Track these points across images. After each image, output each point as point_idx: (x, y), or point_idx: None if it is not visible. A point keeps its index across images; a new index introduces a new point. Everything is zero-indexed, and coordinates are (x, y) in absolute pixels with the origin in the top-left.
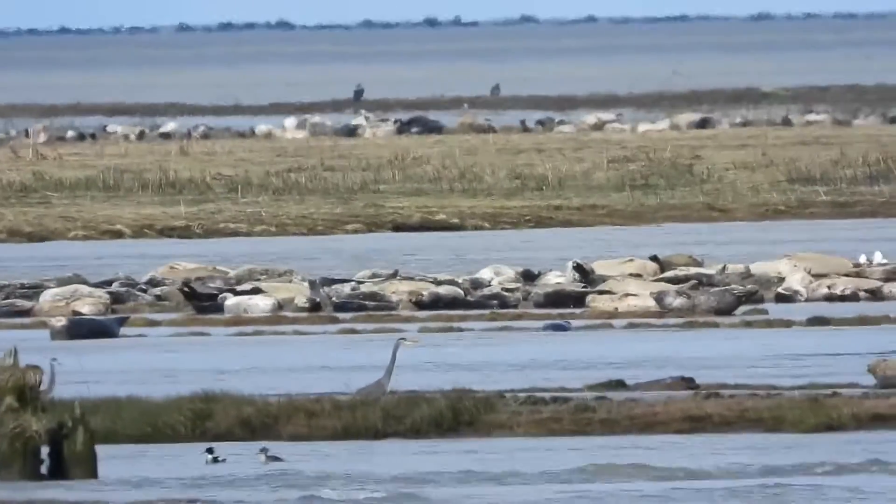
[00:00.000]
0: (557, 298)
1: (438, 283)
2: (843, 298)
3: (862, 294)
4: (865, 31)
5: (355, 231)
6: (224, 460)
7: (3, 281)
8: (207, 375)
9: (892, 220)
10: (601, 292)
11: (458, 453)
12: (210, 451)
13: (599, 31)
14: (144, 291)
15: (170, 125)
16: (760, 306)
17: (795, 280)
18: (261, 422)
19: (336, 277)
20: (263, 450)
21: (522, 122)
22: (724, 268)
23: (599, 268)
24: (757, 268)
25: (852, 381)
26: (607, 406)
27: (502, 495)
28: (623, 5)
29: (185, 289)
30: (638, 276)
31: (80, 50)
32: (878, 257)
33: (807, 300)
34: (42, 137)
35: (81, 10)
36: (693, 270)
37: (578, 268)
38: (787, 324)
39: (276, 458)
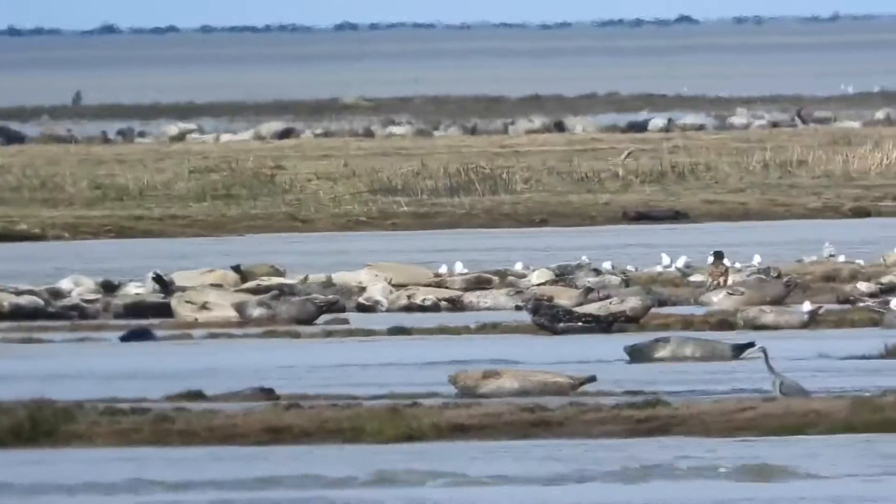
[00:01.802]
0: (137, 309)
1: (18, 293)
2: (423, 308)
3: (442, 304)
4: (456, 41)
5: None
6: None
7: None
8: None
9: (472, 231)
10: (182, 303)
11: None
12: None
13: (182, 41)
14: None
15: None
16: (342, 316)
17: (376, 290)
18: None
19: None
20: None
21: (104, 132)
22: (305, 278)
23: (180, 278)
24: (338, 277)
25: (433, 390)
26: (186, 417)
27: None
28: (205, 16)
29: None
30: (219, 286)
31: None
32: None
33: (388, 310)
34: None
35: None
36: (274, 280)
37: (158, 278)
38: (369, 333)
39: None
